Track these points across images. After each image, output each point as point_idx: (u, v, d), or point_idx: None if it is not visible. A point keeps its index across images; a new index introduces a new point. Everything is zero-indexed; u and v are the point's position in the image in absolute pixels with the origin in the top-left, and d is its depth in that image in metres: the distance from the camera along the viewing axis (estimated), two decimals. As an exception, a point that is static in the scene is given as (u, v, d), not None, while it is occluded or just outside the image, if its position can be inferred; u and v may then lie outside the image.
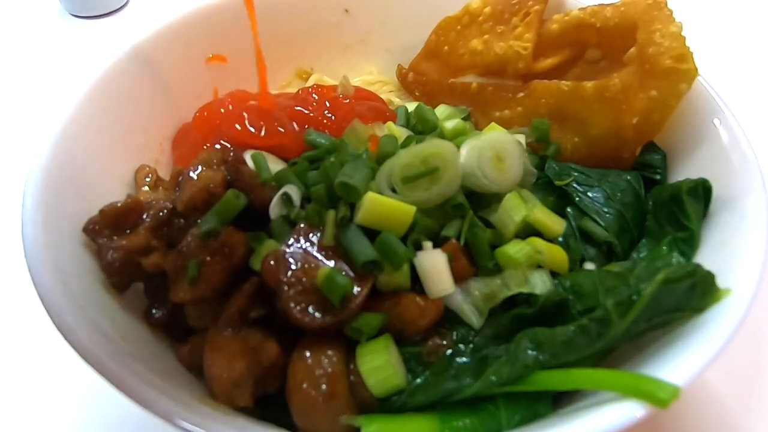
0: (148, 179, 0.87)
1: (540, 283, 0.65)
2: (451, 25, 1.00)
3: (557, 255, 0.69)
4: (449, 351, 0.63)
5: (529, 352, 0.58)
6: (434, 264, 0.64)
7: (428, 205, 0.67)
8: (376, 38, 1.12)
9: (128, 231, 0.72)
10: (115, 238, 0.71)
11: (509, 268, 0.66)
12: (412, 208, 0.64)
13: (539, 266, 0.68)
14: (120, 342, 0.63)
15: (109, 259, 0.70)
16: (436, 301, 0.63)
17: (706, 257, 0.68)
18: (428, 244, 0.65)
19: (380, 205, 0.64)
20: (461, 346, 0.63)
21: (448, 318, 0.65)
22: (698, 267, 0.61)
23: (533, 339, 0.59)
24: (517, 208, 0.70)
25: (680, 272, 0.59)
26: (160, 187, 0.85)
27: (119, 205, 0.73)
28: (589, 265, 0.72)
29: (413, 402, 0.60)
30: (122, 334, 0.65)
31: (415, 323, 0.62)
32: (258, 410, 0.63)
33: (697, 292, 0.60)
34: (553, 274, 0.68)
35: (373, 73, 1.13)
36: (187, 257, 0.66)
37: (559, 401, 0.62)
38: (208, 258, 0.65)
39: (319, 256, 0.63)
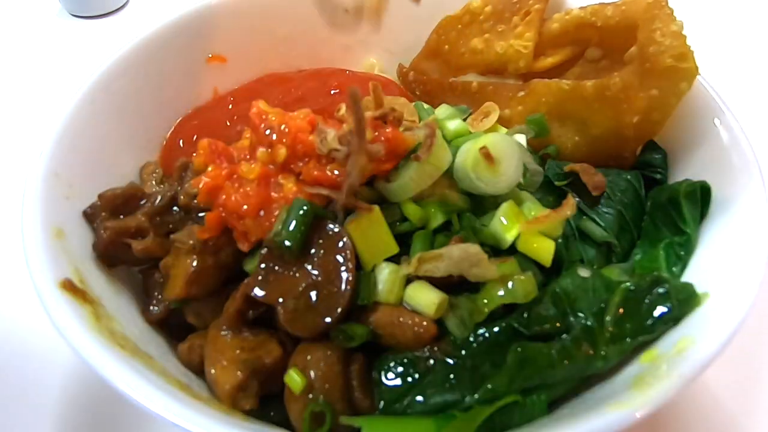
0: (154, 175, 0.87)
1: (522, 293, 0.63)
2: (452, 24, 0.99)
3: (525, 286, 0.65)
4: (446, 360, 0.62)
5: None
6: (424, 298, 0.63)
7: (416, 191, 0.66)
8: (376, 38, 1.12)
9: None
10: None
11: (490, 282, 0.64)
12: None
13: (525, 274, 0.65)
14: (120, 341, 0.63)
15: (99, 236, 0.71)
16: (430, 326, 0.62)
17: (706, 257, 0.68)
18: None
19: None
20: (454, 357, 0.62)
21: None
22: (662, 277, 0.62)
23: (523, 353, 0.59)
24: (511, 222, 0.67)
25: (644, 283, 0.61)
26: (166, 183, 0.85)
27: (118, 190, 0.74)
28: (583, 272, 0.67)
29: (413, 413, 0.59)
30: (122, 332, 0.65)
31: (409, 346, 0.62)
32: (258, 410, 0.63)
33: (676, 305, 0.61)
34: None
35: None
36: (181, 256, 0.66)
37: (557, 402, 0.62)
38: (202, 257, 0.65)
39: (298, 274, 0.63)
